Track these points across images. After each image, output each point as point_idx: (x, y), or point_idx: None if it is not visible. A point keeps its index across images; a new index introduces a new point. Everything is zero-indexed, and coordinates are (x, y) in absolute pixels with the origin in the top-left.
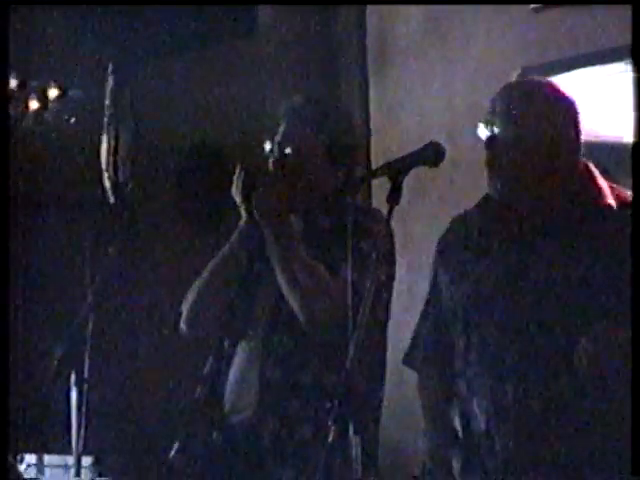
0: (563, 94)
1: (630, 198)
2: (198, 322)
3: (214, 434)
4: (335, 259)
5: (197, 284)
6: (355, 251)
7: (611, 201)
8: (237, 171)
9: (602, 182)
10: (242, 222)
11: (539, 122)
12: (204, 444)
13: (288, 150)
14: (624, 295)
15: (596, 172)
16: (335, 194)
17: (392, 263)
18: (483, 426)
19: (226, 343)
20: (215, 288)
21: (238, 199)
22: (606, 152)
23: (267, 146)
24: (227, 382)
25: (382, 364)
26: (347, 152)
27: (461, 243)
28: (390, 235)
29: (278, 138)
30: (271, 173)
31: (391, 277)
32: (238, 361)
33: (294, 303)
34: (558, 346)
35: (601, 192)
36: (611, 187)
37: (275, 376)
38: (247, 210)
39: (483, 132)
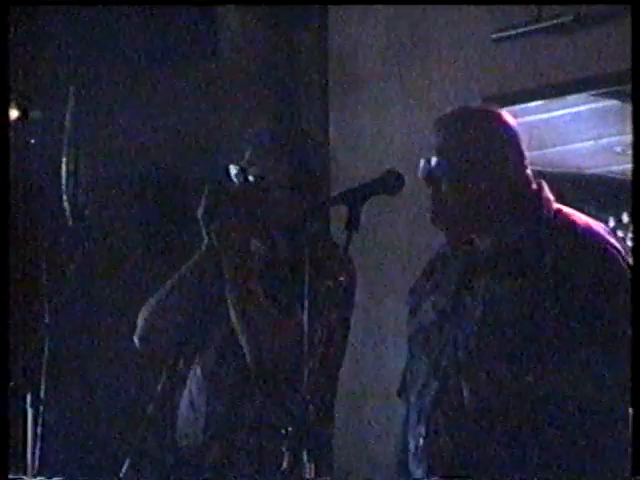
0: (499, 121)
1: (579, 226)
2: (150, 339)
3: (165, 455)
4: (291, 295)
5: (152, 302)
6: (312, 290)
7: (553, 229)
8: (204, 193)
9: (549, 208)
10: (203, 245)
11: (472, 152)
12: (155, 464)
13: (251, 177)
14: (563, 329)
15: (547, 197)
16: (296, 223)
17: (350, 305)
18: (411, 457)
19: (181, 363)
20: (170, 307)
21: (201, 222)
22: (566, 181)
23: (232, 171)
24: (180, 403)
25: (333, 394)
26: (311, 181)
27: (420, 280)
28: (351, 273)
29: (242, 164)
30: (233, 199)
31: (347, 318)
32: (190, 385)
33: (242, 340)
34: (479, 386)
35: (545, 220)
36: (559, 212)
37: (220, 406)
38: (208, 234)
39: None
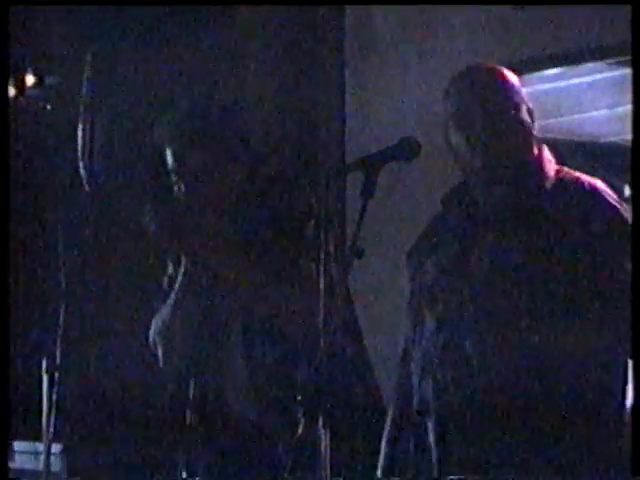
0: (504, 80)
1: (579, 179)
2: (175, 359)
3: (222, 435)
4: (287, 255)
5: (162, 326)
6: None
7: (555, 185)
8: (147, 214)
9: (551, 166)
10: (184, 262)
11: (478, 111)
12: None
13: (187, 173)
14: (568, 282)
15: (547, 155)
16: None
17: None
18: (416, 414)
19: (202, 353)
20: (182, 326)
21: (165, 244)
22: (582, 149)
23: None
24: (220, 386)
25: (361, 358)
26: (239, 143)
27: (423, 237)
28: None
29: (171, 166)
30: (185, 208)
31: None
32: (226, 368)
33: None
34: (485, 339)
35: (547, 177)
36: (560, 171)
37: (265, 377)
38: (186, 256)
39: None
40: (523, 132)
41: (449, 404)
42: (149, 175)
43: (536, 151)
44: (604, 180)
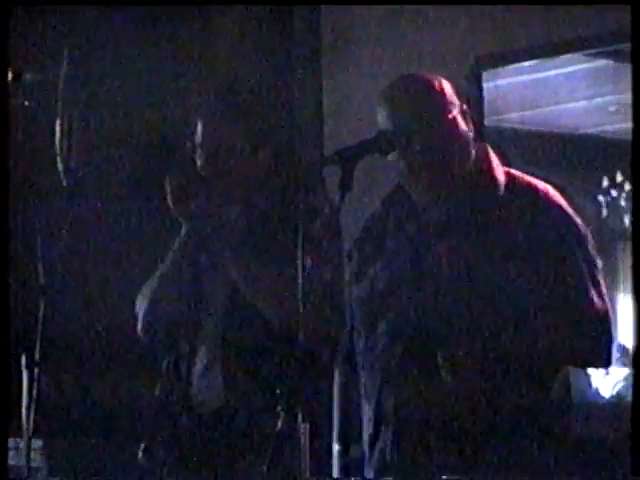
0: (435, 90)
1: (528, 183)
2: (154, 330)
3: (183, 421)
4: (285, 246)
5: (147, 293)
6: (306, 235)
7: (503, 190)
8: (167, 182)
9: (498, 169)
10: (183, 230)
11: (413, 117)
12: (172, 435)
13: (213, 150)
14: (522, 287)
15: (493, 158)
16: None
17: (339, 244)
18: (369, 433)
19: (182, 341)
20: (167, 296)
21: (175, 210)
22: (559, 141)
23: (188, 144)
24: (191, 376)
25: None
26: (272, 137)
27: (363, 242)
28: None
29: (199, 139)
30: (202, 181)
31: (338, 255)
32: (201, 354)
33: (250, 299)
34: (440, 349)
35: (494, 181)
36: (508, 173)
37: (238, 368)
38: (186, 220)
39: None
40: (460, 141)
41: (409, 414)
42: (171, 147)
43: (481, 156)
44: (555, 185)
